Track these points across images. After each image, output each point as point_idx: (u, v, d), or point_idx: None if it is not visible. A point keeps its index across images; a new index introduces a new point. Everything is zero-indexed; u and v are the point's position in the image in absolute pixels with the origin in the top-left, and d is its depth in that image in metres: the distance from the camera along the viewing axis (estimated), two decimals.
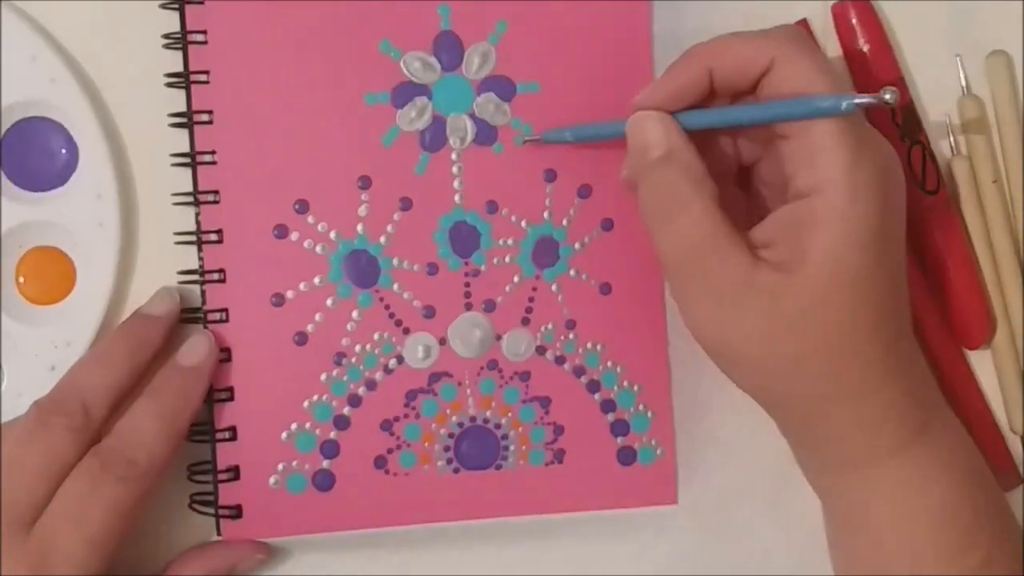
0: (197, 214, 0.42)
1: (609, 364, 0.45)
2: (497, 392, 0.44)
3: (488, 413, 0.44)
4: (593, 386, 0.45)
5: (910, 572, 0.39)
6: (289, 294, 0.43)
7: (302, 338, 0.43)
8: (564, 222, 0.44)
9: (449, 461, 0.44)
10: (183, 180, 0.43)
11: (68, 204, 0.42)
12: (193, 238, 0.43)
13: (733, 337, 0.38)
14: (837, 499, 0.42)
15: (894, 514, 0.39)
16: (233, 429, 0.43)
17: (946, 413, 0.41)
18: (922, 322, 0.46)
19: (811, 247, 0.36)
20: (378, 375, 0.43)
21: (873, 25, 0.45)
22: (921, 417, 0.39)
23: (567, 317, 0.44)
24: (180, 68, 0.42)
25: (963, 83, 0.46)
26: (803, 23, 0.45)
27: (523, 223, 0.44)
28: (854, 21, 0.45)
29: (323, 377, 0.43)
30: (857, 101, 0.35)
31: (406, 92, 0.43)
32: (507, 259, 0.44)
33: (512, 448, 0.44)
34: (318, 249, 0.43)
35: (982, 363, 0.47)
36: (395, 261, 0.43)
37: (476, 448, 0.44)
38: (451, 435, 0.44)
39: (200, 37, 0.42)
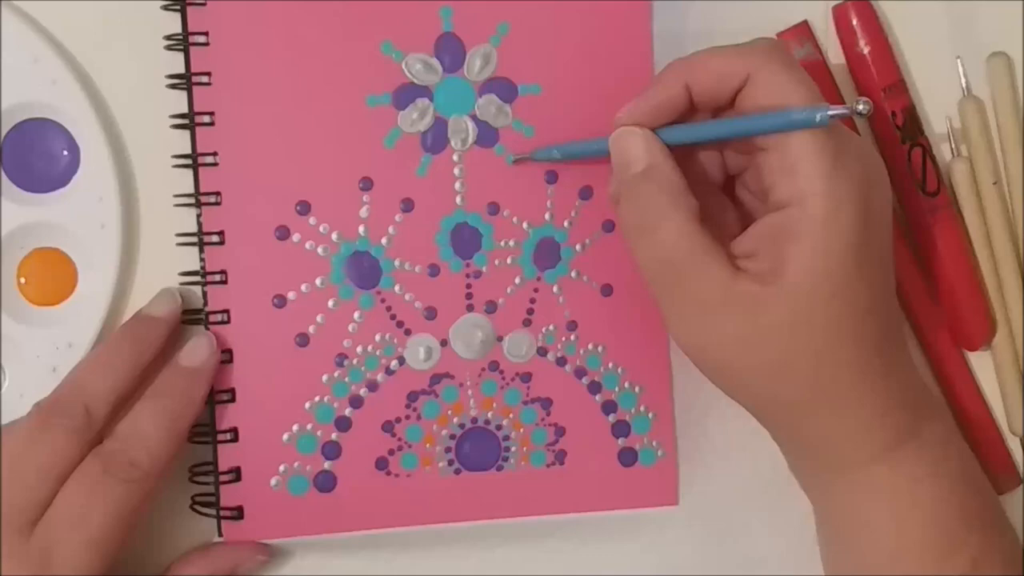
0: (199, 215, 0.42)
1: (610, 365, 0.45)
2: (498, 393, 0.44)
3: (489, 414, 0.44)
4: (594, 387, 0.45)
5: (898, 573, 0.39)
6: (291, 295, 0.43)
7: (303, 339, 0.43)
8: (565, 223, 0.44)
9: (450, 462, 0.44)
10: (185, 181, 0.43)
11: (70, 205, 0.42)
12: (195, 239, 0.43)
13: (714, 346, 0.38)
14: (826, 502, 0.42)
15: (882, 517, 0.40)
16: (234, 430, 0.43)
17: (938, 414, 0.41)
18: (922, 323, 0.46)
19: (790, 257, 0.36)
20: (379, 376, 0.43)
21: (874, 27, 0.45)
22: (909, 421, 0.39)
23: (568, 318, 0.44)
24: (182, 69, 0.42)
25: (964, 85, 0.46)
26: (803, 25, 0.45)
27: (524, 224, 0.44)
28: (855, 23, 0.45)
29: (324, 378, 0.43)
30: (831, 113, 0.35)
31: (408, 93, 0.43)
32: (508, 260, 0.44)
33: (513, 449, 0.44)
34: (320, 250, 0.43)
35: (982, 365, 0.47)
36: (396, 262, 0.43)
37: (477, 449, 0.44)
38: (452, 436, 0.44)
39: (202, 38, 0.42)
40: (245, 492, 0.43)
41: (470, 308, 0.44)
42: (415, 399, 0.44)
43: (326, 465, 0.43)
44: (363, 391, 0.43)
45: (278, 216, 0.43)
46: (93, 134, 0.42)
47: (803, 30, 0.45)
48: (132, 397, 0.40)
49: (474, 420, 0.44)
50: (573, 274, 0.44)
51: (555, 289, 0.44)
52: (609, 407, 0.45)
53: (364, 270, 0.43)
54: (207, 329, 0.43)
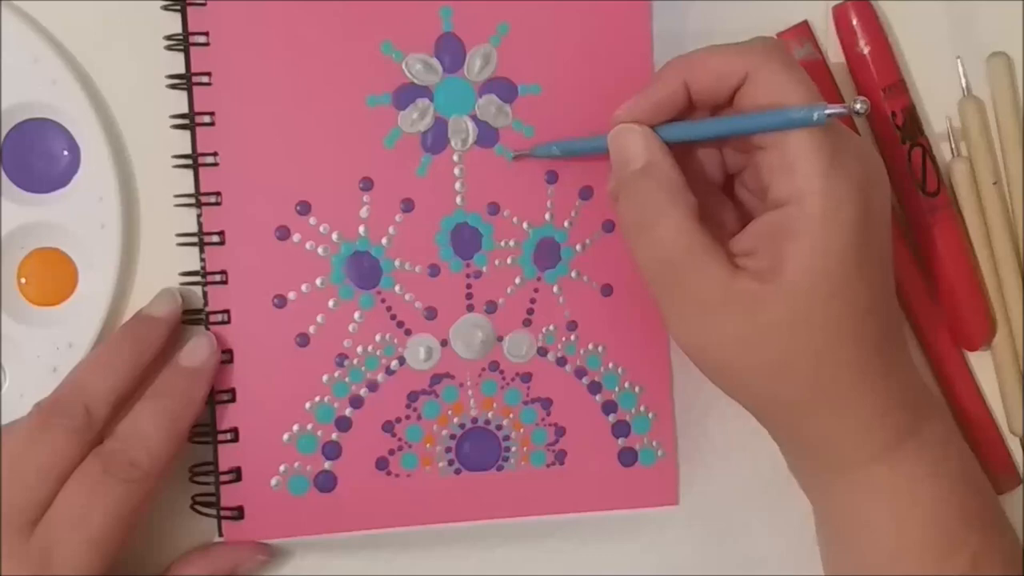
0: (199, 215, 0.43)
1: (610, 365, 0.45)
2: (498, 393, 0.44)
3: (489, 414, 0.44)
4: (594, 387, 0.45)
5: (898, 573, 0.39)
6: (291, 295, 0.43)
7: (304, 339, 0.43)
8: (565, 224, 0.44)
9: (451, 462, 0.44)
10: (185, 181, 0.43)
11: (70, 205, 0.42)
12: (195, 239, 0.43)
13: (714, 345, 0.38)
14: (826, 502, 0.42)
15: (882, 517, 0.40)
16: (235, 430, 0.43)
17: (937, 414, 0.41)
18: (922, 323, 0.46)
19: (788, 256, 0.36)
20: (380, 376, 0.43)
21: (874, 27, 0.45)
22: (908, 420, 0.39)
23: (568, 318, 0.44)
24: (182, 69, 0.42)
25: (963, 85, 0.46)
26: (803, 25, 0.45)
27: (524, 224, 0.44)
28: (855, 23, 0.45)
29: (325, 378, 0.43)
30: (829, 111, 0.35)
31: (408, 94, 0.43)
32: (508, 260, 0.44)
33: (513, 449, 0.44)
34: (320, 251, 0.43)
35: (982, 365, 0.47)
36: (397, 262, 0.43)
37: (477, 449, 0.44)
38: (453, 436, 0.44)
39: (202, 39, 0.42)
40: (245, 492, 0.43)
41: (470, 308, 0.44)
42: (415, 399, 0.44)
43: (326, 465, 0.43)
44: (363, 391, 0.43)
45: (278, 216, 0.43)
46: (93, 134, 0.42)
47: (803, 30, 0.45)
48: (132, 397, 0.40)
49: (474, 420, 0.44)
50: (573, 274, 0.44)
51: (555, 289, 0.44)
52: (609, 407, 0.45)
53: (364, 270, 0.43)
54: (207, 329, 0.43)
